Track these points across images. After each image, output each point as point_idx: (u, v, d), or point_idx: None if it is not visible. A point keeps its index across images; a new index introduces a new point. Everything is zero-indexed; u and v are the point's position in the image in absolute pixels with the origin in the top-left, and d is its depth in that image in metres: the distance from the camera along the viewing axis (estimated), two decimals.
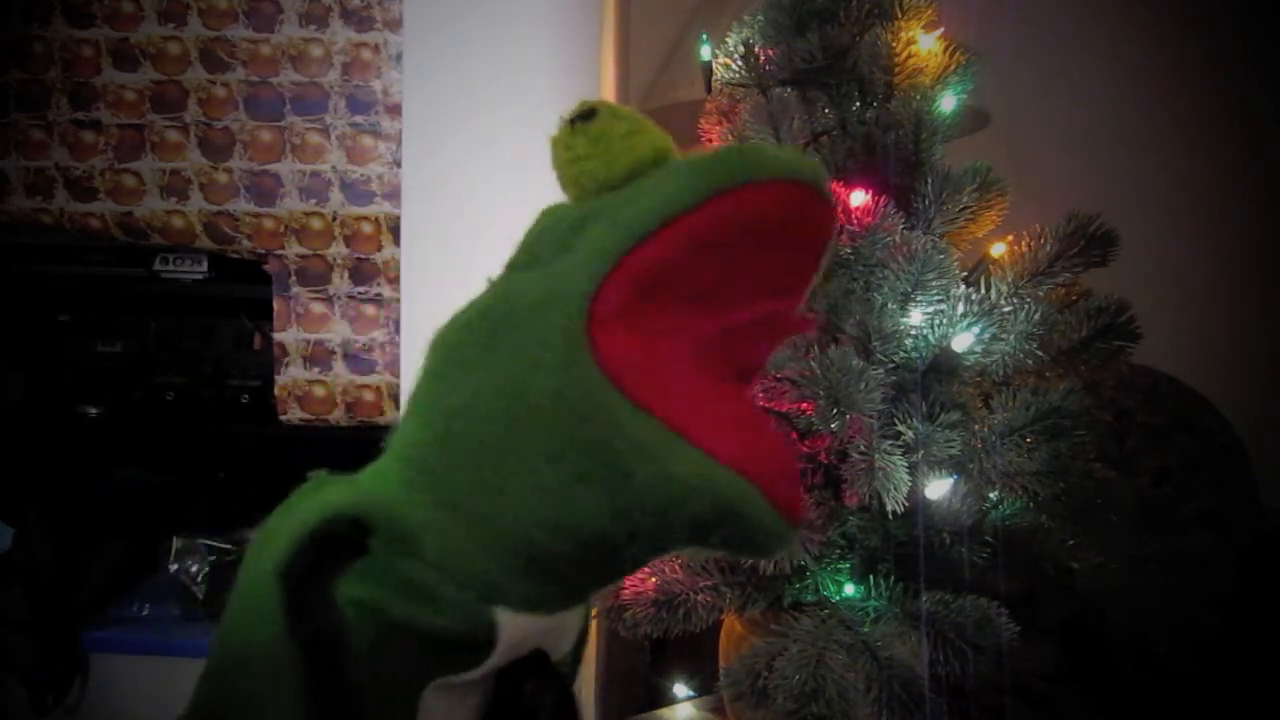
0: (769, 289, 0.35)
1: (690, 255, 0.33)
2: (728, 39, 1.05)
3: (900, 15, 0.97)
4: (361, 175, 1.16)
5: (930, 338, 0.86)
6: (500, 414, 0.32)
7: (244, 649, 0.29)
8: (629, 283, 0.33)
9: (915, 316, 0.86)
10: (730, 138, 0.98)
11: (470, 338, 0.34)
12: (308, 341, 1.19)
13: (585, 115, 0.35)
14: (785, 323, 0.37)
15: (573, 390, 0.32)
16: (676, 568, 0.91)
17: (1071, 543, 0.85)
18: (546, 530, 0.32)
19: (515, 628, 0.33)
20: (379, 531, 0.32)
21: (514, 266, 0.37)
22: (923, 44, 0.95)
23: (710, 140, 1.03)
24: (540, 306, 0.33)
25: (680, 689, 1.22)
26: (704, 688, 1.21)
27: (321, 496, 0.32)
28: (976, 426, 0.86)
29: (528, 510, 0.32)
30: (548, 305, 0.33)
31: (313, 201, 1.17)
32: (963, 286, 0.90)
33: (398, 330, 1.17)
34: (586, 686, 1.15)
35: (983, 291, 0.89)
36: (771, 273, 0.35)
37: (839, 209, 0.36)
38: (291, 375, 1.19)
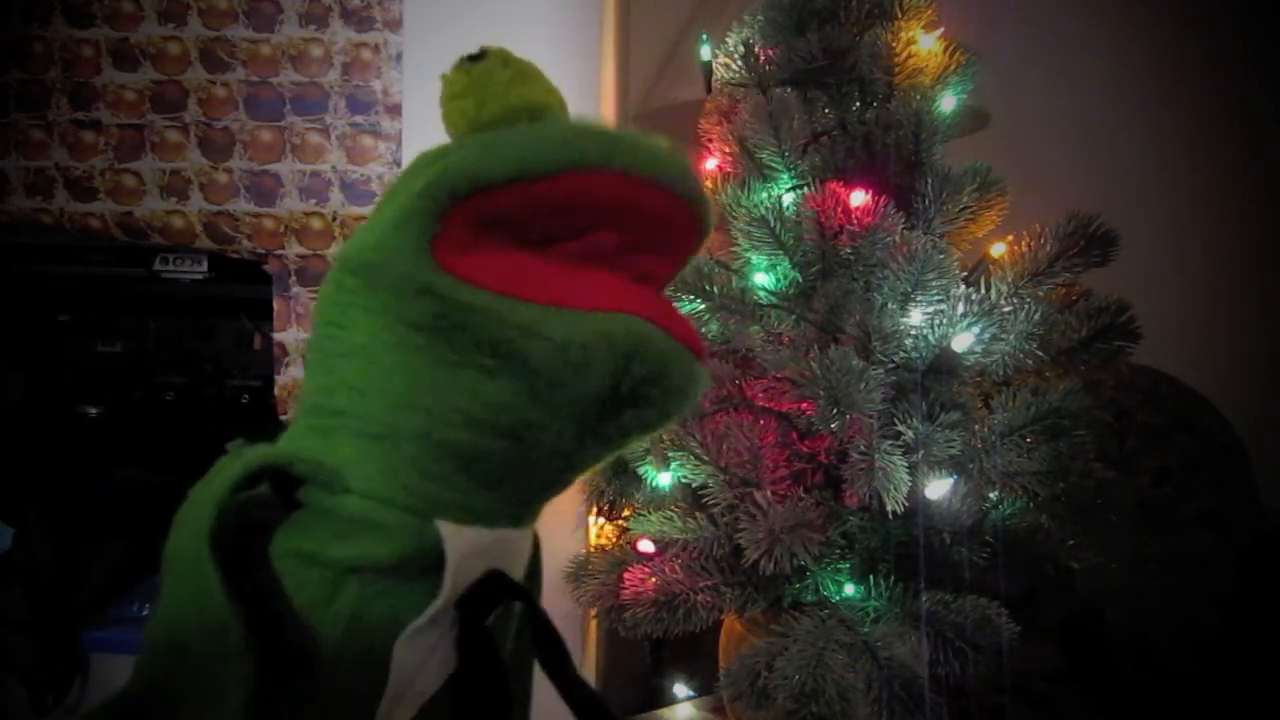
0: (613, 249, 0.36)
1: (534, 212, 0.34)
2: (728, 39, 1.05)
3: (900, 15, 0.97)
4: (361, 175, 1.16)
5: (930, 338, 0.86)
6: (391, 342, 0.33)
7: (182, 618, 0.30)
8: (469, 221, 0.33)
9: (915, 316, 0.86)
10: (730, 138, 0.98)
11: (341, 281, 0.35)
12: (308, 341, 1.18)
13: (474, 56, 0.36)
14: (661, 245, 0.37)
15: (447, 302, 0.33)
16: (676, 568, 0.91)
17: (1071, 543, 0.85)
18: (467, 428, 0.33)
19: (461, 541, 0.34)
20: (307, 478, 0.32)
21: (380, 204, 0.38)
22: (923, 44, 0.95)
23: (710, 140, 1.03)
24: (384, 244, 0.34)
25: (680, 689, 1.22)
26: (704, 688, 1.21)
27: (240, 459, 0.32)
28: (976, 426, 0.86)
29: (445, 416, 0.33)
30: (390, 241, 0.34)
31: (313, 201, 1.17)
32: (963, 286, 0.90)
33: None
34: None
35: (983, 291, 0.89)
36: (620, 241, 0.35)
37: (708, 222, 0.37)
38: (291, 375, 1.19)
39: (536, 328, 0.33)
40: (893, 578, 0.87)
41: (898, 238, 0.87)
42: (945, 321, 0.86)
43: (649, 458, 0.95)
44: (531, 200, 0.33)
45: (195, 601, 0.29)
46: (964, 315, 0.86)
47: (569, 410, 0.33)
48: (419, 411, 0.33)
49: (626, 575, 0.93)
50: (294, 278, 1.18)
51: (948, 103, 0.95)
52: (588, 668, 1.16)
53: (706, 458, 0.88)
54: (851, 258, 0.89)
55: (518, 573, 0.38)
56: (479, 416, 0.33)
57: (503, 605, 0.37)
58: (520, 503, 0.36)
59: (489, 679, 0.36)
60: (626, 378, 0.33)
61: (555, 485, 0.37)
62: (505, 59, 0.36)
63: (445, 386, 0.33)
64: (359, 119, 1.16)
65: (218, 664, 0.29)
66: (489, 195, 0.33)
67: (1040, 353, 0.87)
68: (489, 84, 0.35)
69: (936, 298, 0.85)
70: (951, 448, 0.83)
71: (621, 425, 0.35)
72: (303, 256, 1.18)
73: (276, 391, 1.20)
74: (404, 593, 0.33)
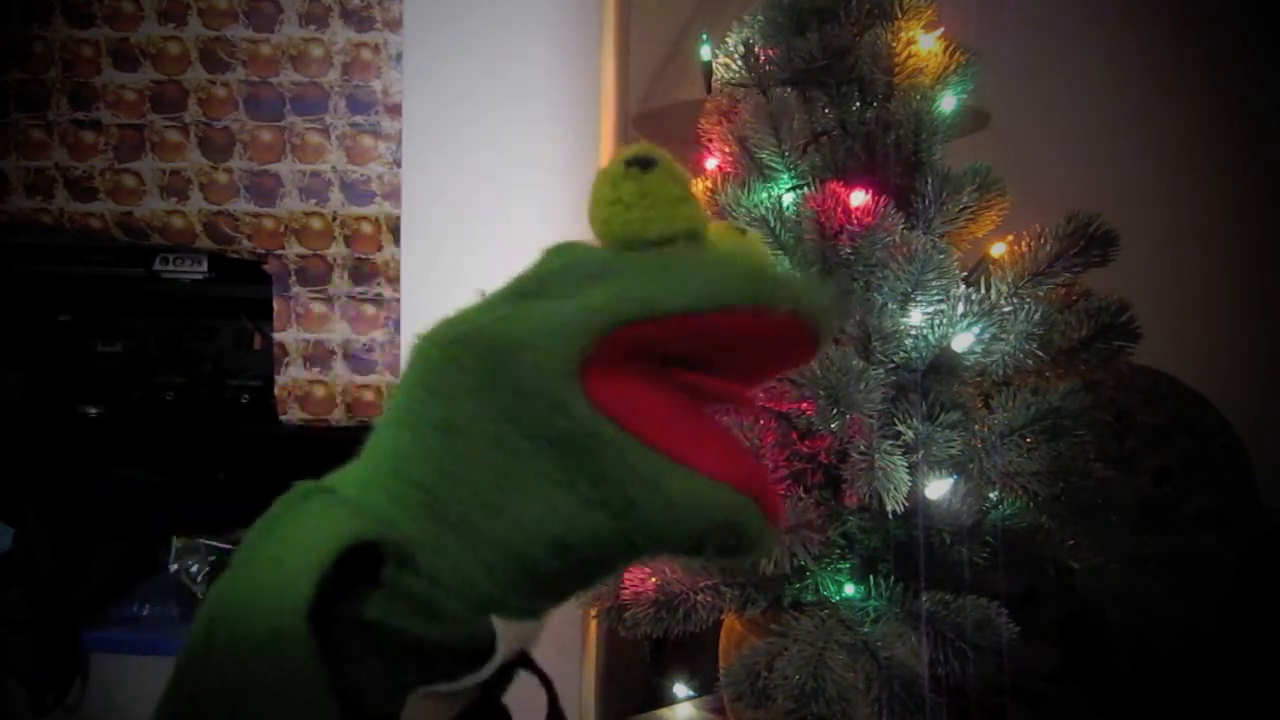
0: (735, 372, 0.37)
1: (681, 339, 0.34)
2: (728, 39, 1.05)
3: (900, 15, 0.97)
4: (361, 175, 1.16)
5: (930, 338, 0.86)
6: (494, 436, 0.33)
7: (252, 685, 0.29)
8: (621, 346, 0.34)
9: (915, 316, 0.86)
10: (730, 138, 0.98)
11: (462, 354, 0.35)
12: (308, 341, 1.19)
13: (644, 163, 0.35)
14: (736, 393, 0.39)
15: (576, 426, 0.33)
16: (677, 568, 0.91)
17: (1071, 543, 0.85)
18: (548, 550, 0.33)
19: (511, 634, 0.34)
20: (389, 557, 0.32)
21: (520, 294, 0.37)
22: (923, 44, 0.95)
23: (710, 140, 1.03)
24: (539, 341, 0.33)
25: (680, 689, 1.22)
26: (704, 688, 1.20)
27: (326, 520, 0.32)
28: (976, 426, 0.86)
29: (532, 532, 0.33)
30: (547, 342, 0.33)
31: (313, 201, 1.17)
32: (963, 286, 0.90)
33: (398, 330, 1.17)
34: (587, 686, 1.15)
35: (983, 291, 0.89)
36: (743, 365, 0.37)
37: (828, 331, 0.38)
38: (291, 375, 1.19)
39: (655, 480, 0.33)
40: (893, 578, 0.87)
41: (898, 238, 0.87)
42: (945, 321, 0.86)
43: None
44: (682, 330, 0.34)
45: (275, 671, 0.29)
46: (964, 315, 0.86)
47: (648, 551, 0.34)
48: (506, 519, 0.33)
49: (626, 575, 0.93)
50: (294, 278, 1.18)
51: (948, 103, 0.95)
52: (588, 668, 1.16)
53: None
54: (851, 258, 0.89)
55: (540, 635, 0.39)
56: (564, 539, 0.33)
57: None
58: (567, 598, 0.37)
59: None
60: (712, 544, 0.34)
61: (605, 582, 0.38)
62: (673, 173, 0.35)
63: (540, 502, 0.33)
64: (359, 119, 1.16)
65: None
66: (646, 326, 0.33)
67: (1040, 353, 0.87)
68: (657, 201, 0.34)
69: (936, 298, 0.85)
70: (951, 448, 0.83)
71: (683, 556, 0.36)
72: (303, 256, 1.18)
73: (276, 391, 1.20)
74: (442, 664, 0.33)
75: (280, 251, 1.18)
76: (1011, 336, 0.86)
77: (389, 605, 0.32)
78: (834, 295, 0.37)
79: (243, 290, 1.27)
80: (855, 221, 0.87)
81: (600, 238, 0.36)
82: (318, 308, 1.18)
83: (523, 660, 0.36)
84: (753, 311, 0.34)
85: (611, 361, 0.34)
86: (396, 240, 1.16)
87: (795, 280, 0.35)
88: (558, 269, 0.37)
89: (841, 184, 0.90)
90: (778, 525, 0.35)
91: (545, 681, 0.38)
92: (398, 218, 1.15)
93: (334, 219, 1.17)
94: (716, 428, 0.36)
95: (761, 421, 0.90)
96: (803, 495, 0.86)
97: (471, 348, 0.34)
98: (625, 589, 0.92)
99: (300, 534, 0.31)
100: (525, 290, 0.36)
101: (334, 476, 0.36)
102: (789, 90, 0.97)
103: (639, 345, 0.34)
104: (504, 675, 0.36)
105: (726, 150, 0.99)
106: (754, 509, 0.34)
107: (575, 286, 0.35)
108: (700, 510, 0.33)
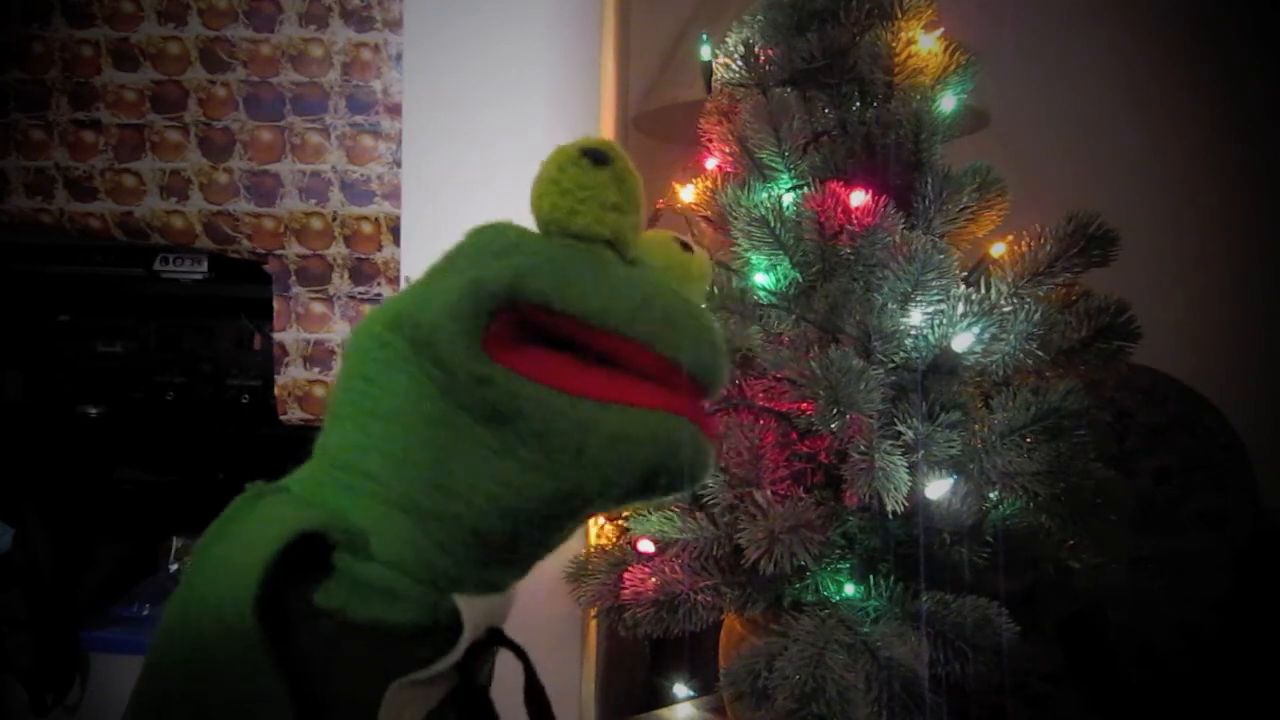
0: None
1: (577, 336, 0.35)
2: (728, 39, 1.05)
3: (900, 15, 0.97)
4: (361, 175, 1.16)
5: (930, 338, 0.86)
6: (433, 416, 0.34)
7: (213, 675, 0.30)
8: (518, 324, 0.34)
9: (915, 316, 0.86)
10: (730, 138, 0.98)
11: (391, 339, 0.35)
12: (308, 341, 1.19)
13: (598, 158, 0.35)
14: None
15: (500, 392, 0.33)
16: (676, 568, 0.91)
17: (1071, 543, 0.85)
18: (501, 518, 0.34)
19: (476, 610, 0.34)
20: (338, 544, 0.32)
21: (433, 274, 0.37)
22: (923, 44, 0.95)
23: (710, 140, 1.03)
24: (441, 319, 0.34)
25: (680, 689, 1.22)
26: (704, 688, 1.20)
27: (271, 516, 0.32)
28: (976, 426, 0.86)
29: (480, 505, 0.33)
30: (445, 318, 0.34)
31: (313, 201, 1.17)
32: (963, 286, 0.90)
33: None
34: (587, 686, 1.15)
35: (983, 291, 0.89)
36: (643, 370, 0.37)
37: (715, 393, 0.38)
38: (291, 375, 1.19)
39: (591, 423, 0.33)
40: (893, 578, 0.87)
41: (898, 238, 0.86)
42: (945, 321, 0.86)
43: None
44: (577, 333, 0.34)
45: (232, 663, 0.29)
46: (964, 315, 0.86)
47: (599, 497, 0.35)
48: (454, 496, 0.33)
49: (626, 575, 0.93)
50: (294, 278, 1.18)
51: (948, 103, 0.95)
52: (588, 668, 1.16)
53: None
54: (851, 258, 0.89)
55: (509, 611, 0.39)
56: (513, 506, 0.33)
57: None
58: (530, 566, 0.37)
59: None
60: (664, 471, 0.34)
61: (561, 544, 0.38)
62: (621, 178, 0.36)
63: (484, 474, 0.33)
64: (359, 119, 1.16)
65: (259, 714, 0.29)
66: (547, 315, 0.34)
67: (1040, 353, 0.87)
68: (594, 199, 0.35)
69: (936, 298, 0.85)
70: (951, 448, 0.83)
71: (634, 499, 0.36)
72: (303, 256, 1.18)
73: (276, 391, 1.20)
74: (414, 649, 0.33)
75: (280, 251, 1.18)
76: (1011, 336, 0.86)
77: (348, 593, 0.32)
78: (724, 355, 0.37)
79: (243, 290, 1.27)
80: (855, 221, 0.87)
81: (531, 211, 0.37)
82: (318, 308, 1.18)
83: (495, 637, 0.37)
84: (635, 344, 0.34)
85: (522, 335, 0.35)
86: (396, 240, 1.16)
87: (690, 327, 0.36)
88: (469, 247, 0.38)
89: (841, 184, 0.89)
90: (715, 439, 0.36)
91: (520, 654, 0.39)
92: (398, 218, 1.15)
93: (334, 219, 1.17)
94: (631, 376, 0.36)
95: (761, 421, 0.90)
96: (803, 495, 0.86)
97: (397, 331, 0.35)
98: (625, 589, 0.92)
99: (247, 532, 0.32)
100: (437, 269, 0.37)
101: (288, 477, 0.36)
102: (789, 90, 0.97)
103: (545, 327, 0.35)
104: (479, 656, 0.36)
105: (726, 150, 0.99)
106: (690, 425, 0.35)
107: (479, 262, 0.35)
108: (642, 437, 0.34)
